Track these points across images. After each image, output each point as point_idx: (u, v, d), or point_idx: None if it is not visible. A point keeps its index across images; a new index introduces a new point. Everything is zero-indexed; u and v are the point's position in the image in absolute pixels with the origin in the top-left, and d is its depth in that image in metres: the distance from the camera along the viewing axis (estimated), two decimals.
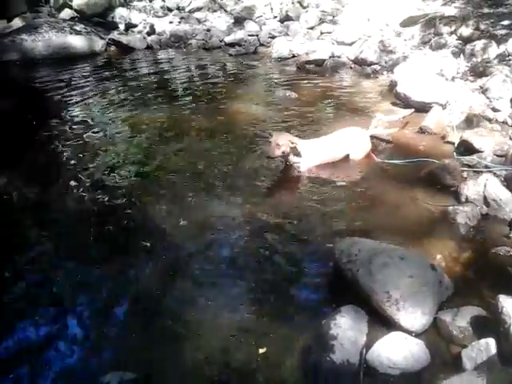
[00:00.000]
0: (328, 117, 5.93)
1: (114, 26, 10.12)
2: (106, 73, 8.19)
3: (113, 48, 9.62)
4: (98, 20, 10.19)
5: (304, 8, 10.06)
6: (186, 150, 5.16)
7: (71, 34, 9.15)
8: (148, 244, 3.58)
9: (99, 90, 7.28)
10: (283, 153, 4.36)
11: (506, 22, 7.71)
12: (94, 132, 5.73)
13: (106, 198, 4.27)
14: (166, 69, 8.68)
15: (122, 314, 3.05)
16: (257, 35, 9.65)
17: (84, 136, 5.60)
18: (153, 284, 3.20)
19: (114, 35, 9.74)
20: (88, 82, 7.72)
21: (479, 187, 3.81)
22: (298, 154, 4.45)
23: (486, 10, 8.36)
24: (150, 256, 3.49)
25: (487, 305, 2.67)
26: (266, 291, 3.12)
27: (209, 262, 3.42)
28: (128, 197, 4.27)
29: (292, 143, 4.36)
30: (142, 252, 3.53)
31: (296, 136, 4.65)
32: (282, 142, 4.33)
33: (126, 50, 9.50)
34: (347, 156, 4.68)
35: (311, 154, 4.53)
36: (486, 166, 4.30)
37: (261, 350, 2.64)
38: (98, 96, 7.05)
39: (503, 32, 7.48)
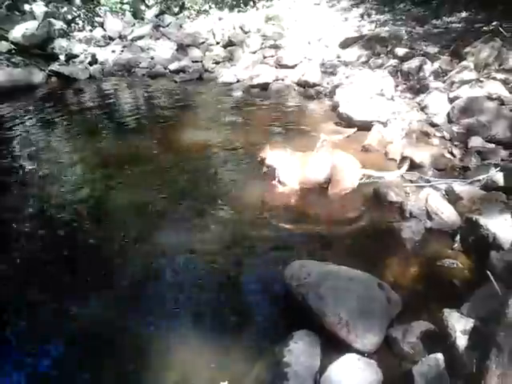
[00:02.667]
0: (275, 139, 5.96)
1: (54, 58, 9.91)
2: (48, 105, 7.96)
3: (54, 79, 9.40)
4: (37, 52, 9.94)
5: (246, 33, 10.26)
6: (133, 180, 5.02)
7: (8, 66, 8.87)
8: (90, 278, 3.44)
9: (40, 123, 7.05)
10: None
11: (436, 41, 8.14)
12: (36, 165, 5.50)
13: (50, 232, 4.12)
14: (109, 98, 8.54)
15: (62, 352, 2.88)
16: (201, 61, 9.73)
17: (26, 170, 5.39)
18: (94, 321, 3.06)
19: (55, 66, 9.53)
20: (28, 114, 7.46)
21: (421, 202, 3.91)
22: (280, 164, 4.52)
23: (417, 30, 8.81)
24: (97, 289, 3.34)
25: (435, 319, 2.69)
26: (217, 320, 3.04)
27: (156, 292, 3.31)
28: (72, 230, 4.11)
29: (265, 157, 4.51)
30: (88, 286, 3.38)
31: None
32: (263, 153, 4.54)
33: (67, 80, 9.31)
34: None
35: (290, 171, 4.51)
36: (428, 181, 4.43)
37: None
38: (40, 128, 6.83)
39: (435, 50, 7.89)
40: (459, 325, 2.45)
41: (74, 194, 4.77)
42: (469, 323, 2.45)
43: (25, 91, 8.63)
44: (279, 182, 4.58)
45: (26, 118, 7.28)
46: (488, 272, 2.70)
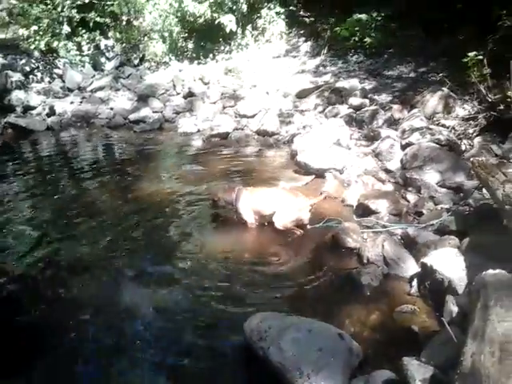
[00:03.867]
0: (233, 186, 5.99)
1: (10, 109, 9.77)
2: (2, 157, 7.76)
3: (10, 131, 9.23)
4: None
5: (206, 84, 10.48)
6: (89, 233, 4.89)
7: None
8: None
9: None
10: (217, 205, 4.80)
11: (388, 91, 8.54)
12: None
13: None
14: (67, 149, 8.46)
15: None
16: (161, 112, 9.82)
17: None
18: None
19: (11, 118, 9.39)
20: None
21: (378, 248, 3.97)
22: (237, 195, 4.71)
23: (370, 81, 9.23)
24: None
25: (396, 367, 2.67)
26: (175, 379, 2.92)
27: (114, 351, 3.18)
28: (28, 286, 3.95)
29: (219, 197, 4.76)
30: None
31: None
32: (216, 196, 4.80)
33: (24, 132, 9.17)
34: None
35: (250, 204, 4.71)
36: (384, 226, 4.52)
37: None
38: None
39: (387, 99, 8.26)
40: (419, 373, 2.44)
41: (25, 250, 4.57)
42: (428, 371, 2.45)
43: None
44: (238, 220, 4.75)
45: None
46: (443, 319, 2.73)
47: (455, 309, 2.99)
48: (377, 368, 2.76)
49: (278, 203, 4.63)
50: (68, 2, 11.39)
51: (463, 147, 6.00)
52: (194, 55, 12.60)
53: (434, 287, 3.42)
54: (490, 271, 2.73)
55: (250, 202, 4.71)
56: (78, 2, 11.52)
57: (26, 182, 6.65)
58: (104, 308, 3.62)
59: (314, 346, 2.76)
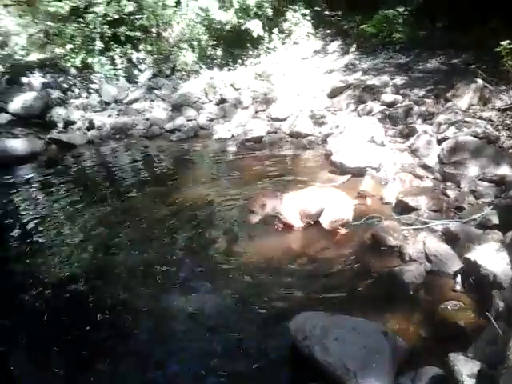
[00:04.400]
0: (272, 190, 6.07)
1: (52, 125, 10.17)
2: (48, 171, 8.10)
3: (53, 146, 9.61)
4: (36, 121, 10.22)
5: (237, 90, 10.61)
6: (140, 243, 5.04)
7: (9, 138, 9.11)
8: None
9: (42, 190, 7.19)
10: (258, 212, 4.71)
11: (420, 85, 8.44)
12: (42, 232, 5.57)
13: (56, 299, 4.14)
14: (108, 161, 8.73)
15: None
16: (195, 119, 10.00)
17: (30, 238, 5.45)
18: None
19: (54, 134, 9.76)
20: (31, 182, 7.61)
21: (419, 245, 3.97)
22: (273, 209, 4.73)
23: (401, 77, 9.14)
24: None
25: (442, 364, 2.69)
26: (220, 379, 3.03)
27: (161, 346, 3.36)
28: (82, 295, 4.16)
29: (262, 204, 4.69)
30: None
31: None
32: (254, 205, 4.71)
33: (66, 147, 9.52)
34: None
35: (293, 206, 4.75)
36: (424, 223, 4.50)
37: None
38: (42, 196, 6.96)
39: (420, 94, 8.16)
40: (466, 369, 2.46)
41: (79, 262, 4.81)
42: (475, 366, 2.46)
43: (26, 160, 8.79)
44: (282, 223, 4.80)
45: (27, 185, 7.42)
46: (488, 313, 2.73)
47: (501, 303, 2.98)
48: (423, 365, 2.79)
49: (323, 203, 4.69)
50: (99, 19, 11.72)
51: (502, 139, 5.87)
52: (224, 62, 12.78)
53: (478, 282, 3.41)
54: None
55: (295, 204, 4.75)
56: (109, 18, 11.86)
57: (71, 193, 6.92)
58: (150, 311, 3.79)
59: (358, 343, 2.81)
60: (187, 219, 5.45)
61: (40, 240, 5.39)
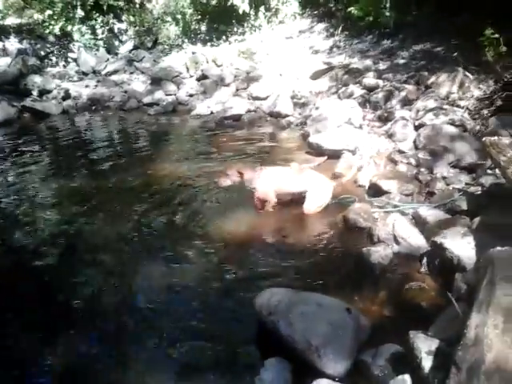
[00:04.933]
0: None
1: (27, 93, 9.89)
2: (20, 140, 7.91)
3: (26, 115, 9.38)
4: (9, 88, 9.91)
5: (219, 66, 10.47)
6: (112, 215, 4.99)
7: None
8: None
9: (13, 159, 7.01)
10: (232, 182, 4.70)
11: (402, 71, 8.44)
12: (8, 202, 5.47)
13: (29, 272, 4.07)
14: (83, 132, 8.59)
15: None
16: (175, 94, 9.86)
17: None
18: None
19: (27, 102, 9.52)
20: (0, 149, 7.42)
21: (389, 227, 4.00)
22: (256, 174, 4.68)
23: (385, 61, 9.13)
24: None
25: (403, 341, 2.74)
26: (190, 354, 3.02)
27: (128, 322, 3.33)
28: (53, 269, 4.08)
29: (239, 173, 4.63)
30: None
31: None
32: (230, 171, 4.66)
33: (40, 116, 9.30)
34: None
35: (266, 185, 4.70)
36: (395, 206, 4.55)
37: None
38: (13, 164, 6.79)
39: (402, 79, 8.17)
40: (425, 346, 2.50)
41: (51, 231, 4.75)
42: (434, 344, 2.51)
43: None
44: (257, 199, 4.73)
45: None
46: (449, 294, 2.77)
47: (463, 285, 3.04)
48: (385, 342, 2.83)
49: (300, 184, 4.67)
50: None
51: (477, 127, 5.93)
52: (207, 37, 12.58)
53: (443, 265, 3.46)
54: (498, 248, 2.77)
55: (271, 181, 4.71)
56: None
57: (43, 164, 6.82)
58: (119, 287, 3.75)
59: (322, 319, 2.83)
60: (160, 193, 5.41)
61: (6, 208, 5.28)
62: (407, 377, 2.42)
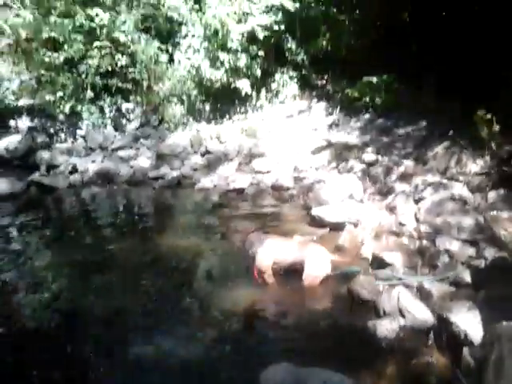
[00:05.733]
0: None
1: (35, 168, 10.14)
2: (28, 213, 8.01)
3: (33, 188, 9.55)
4: (18, 163, 10.20)
5: (222, 143, 10.83)
6: (115, 287, 5.01)
7: None
8: None
9: (18, 230, 7.08)
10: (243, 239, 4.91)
11: (400, 148, 8.71)
12: (14, 277, 5.44)
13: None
14: (88, 206, 8.73)
15: None
16: (179, 169, 10.09)
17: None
18: None
19: (35, 176, 9.74)
20: (6, 222, 7.49)
21: (394, 300, 3.97)
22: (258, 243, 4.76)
23: (382, 138, 9.44)
24: None
25: None
26: None
27: None
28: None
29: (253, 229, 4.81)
30: None
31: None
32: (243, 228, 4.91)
33: (47, 189, 9.48)
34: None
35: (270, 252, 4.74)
36: (399, 279, 4.52)
37: None
38: (18, 236, 6.86)
39: (400, 155, 8.40)
40: None
41: (51, 303, 4.73)
42: None
43: (5, 200, 8.72)
44: (257, 269, 4.73)
45: (4, 227, 7.31)
46: (457, 370, 2.71)
47: (471, 360, 2.97)
48: None
49: (302, 257, 4.69)
50: (92, 70, 12.03)
51: (477, 201, 6.03)
52: (211, 116, 13.07)
53: (450, 339, 3.40)
54: (504, 323, 2.75)
55: (272, 252, 4.74)
56: (102, 70, 12.17)
57: (48, 236, 6.86)
58: (117, 361, 3.69)
59: None
60: (164, 268, 5.40)
61: (10, 280, 5.27)
62: None
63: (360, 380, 3.03)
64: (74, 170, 10.20)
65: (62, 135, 11.70)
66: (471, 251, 4.86)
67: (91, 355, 3.80)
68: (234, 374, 3.41)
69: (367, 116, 11.10)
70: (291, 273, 4.79)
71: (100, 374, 3.56)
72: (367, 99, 10.73)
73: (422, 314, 3.81)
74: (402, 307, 3.89)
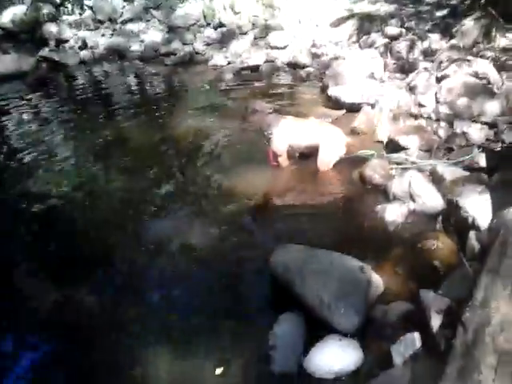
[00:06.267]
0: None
1: (43, 43, 9.81)
2: (38, 92, 7.96)
3: (44, 65, 9.35)
4: (26, 37, 9.84)
5: (236, 14, 10.16)
6: (129, 169, 5.08)
7: None
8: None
9: (33, 109, 7.11)
10: (259, 119, 4.66)
11: (427, 19, 8.10)
12: (30, 152, 5.60)
13: (43, 224, 4.22)
14: (100, 84, 8.58)
15: None
16: (192, 44, 9.67)
17: (19, 156, 5.49)
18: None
19: (45, 52, 9.47)
20: (21, 102, 7.48)
21: (405, 184, 3.98)
22: (274, 124, 4.61)
23: (409, 9, 8.75)
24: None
25: (414, 299, 2.80)
26: (205, 307, 3.15)
27: (148, 278, 3.45)
28: (67, 220, 4.22)
29: (269, 109, 4.64)
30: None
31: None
32: (260, 107, 4.68)
33: (58, 66, 9.27)
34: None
35: (286, 135, 4.65)
36: (413, 162, 4.50)
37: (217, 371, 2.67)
38: (33, 115, 6.89)
39: (426, 28, 7.85)
40: (434, 304, 2.55)
41: (70, 185, 4.85)
42: (444, 303, 2.55)
43: (16, 78, 8.61)
44: (272, 152, 4.72)
45: (17, 105, 7.30)
46: (461, 253, 2.80)
47: (477, 245, 3.05)
48: (396, 300, 2.91)
49: (317, 139, 4.61)
50: None
51: (501, 80, 5.72)
52: None
53: (458, 223, 3.46)
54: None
55: (288, 133, 4.66)
56: None
57: (60, 115, 6.88)
58: (129, 247, 3.84)
59: (335, 276, 2.90)
60: (177, 148, 5.46)
61: (26, 160, 5.42)
62: (416, 334, 2.49)
63: (366, 261, 3.16)
64: (84, 45, 9.85)
65: (69, 6, 11.05)
66: (490, 134, 4.74)
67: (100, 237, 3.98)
68: (245, 254, 3.59)
69: None
70: (306, 155, 4.79)
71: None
72: None
73: (433, 198, 3.83)
74: (412, 191, 3.90)
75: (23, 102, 7.45)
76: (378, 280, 3.02)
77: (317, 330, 2.79)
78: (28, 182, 4.92)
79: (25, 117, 6.86)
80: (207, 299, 3.22)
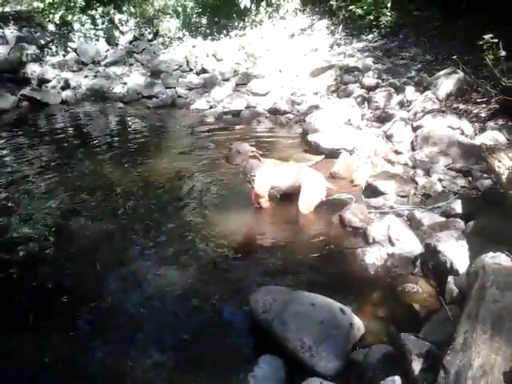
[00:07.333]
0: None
1: (26, 82, 9.85)
2: (17, 130, 7.91)
3: (25, 104, 9.36)
4: (9, 76, 9.86)
5: (219, 61, 10.47)
6: (103, 209, 5.03)
7: None
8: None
9: (11, 147, 7.02)
10: (242, 161, 4.65)
11: (402, 72, 8.48)
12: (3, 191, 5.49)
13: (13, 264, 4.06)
14: (81, 124, 8.59)
15: None
16: (174, 87, 9.85)
17: None
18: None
19: (27, 90, 9.50)
20: None
21: (384, 228, 4.05)
22: (256, 167, 4.66)
23: (384, 61, 9.16)
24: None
25: (395, 343, 2.79)
26: (183, 349, 3.06)
27: (123, 318, 3.34)
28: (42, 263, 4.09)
29: (252, 152, 4.62)
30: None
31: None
32: (243, 149, 4.61)
33: (39, 105, 9.29)
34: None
35: (268, 177, 4.69)
36: (391, 207, 4.59)
37: None
38: (9, 153, 6.80)
39: (401, 80, 8.19)
40: (415, 348, 2.55)
41: (40, 224, 4.73)
42: (424, 346, 2.55)
43: None
44: (254, 193, 4.74)
45: None
46: (440, 297, 2.82)
47: (455, 289, 3.08)
48: (377, 342, 2.89)
49: (298, 183, 4.67)
50: None
51: (475, 131, 5.98)
52: (208, 31, 12.54)
53: (436, 268, 3.50)
54: (490, 254, 2.82)
55: (269, 176, 4.70)
56: None
57: (40, 154, 6.81)
58: (109, 280, 3.78)
59: (316, 319, 2.88)
60: (156, 189, 5.44)
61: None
62: (397, 378, 2.46)
63: (347, 304, 3.16)
64: (67, 85, 9.93)
65: (53, 47, 11.22)
66: (464, 182, 4.90)
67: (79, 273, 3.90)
68: (226, 295, 3.53)
69: (370, 37, 10.71)
70: (287, 197, 4.84)
71: None
72: (371, 17, 10.27)
73: (411, 243, 3.90)
74: (391, 235, 3.97)
75: (2, 140, 7.37)
76: (358, 323, 3.01)
77: (297, 372, 2.73)
78: None
79: (2, 153, 6.76)
80: (185, 340, 3.13)
